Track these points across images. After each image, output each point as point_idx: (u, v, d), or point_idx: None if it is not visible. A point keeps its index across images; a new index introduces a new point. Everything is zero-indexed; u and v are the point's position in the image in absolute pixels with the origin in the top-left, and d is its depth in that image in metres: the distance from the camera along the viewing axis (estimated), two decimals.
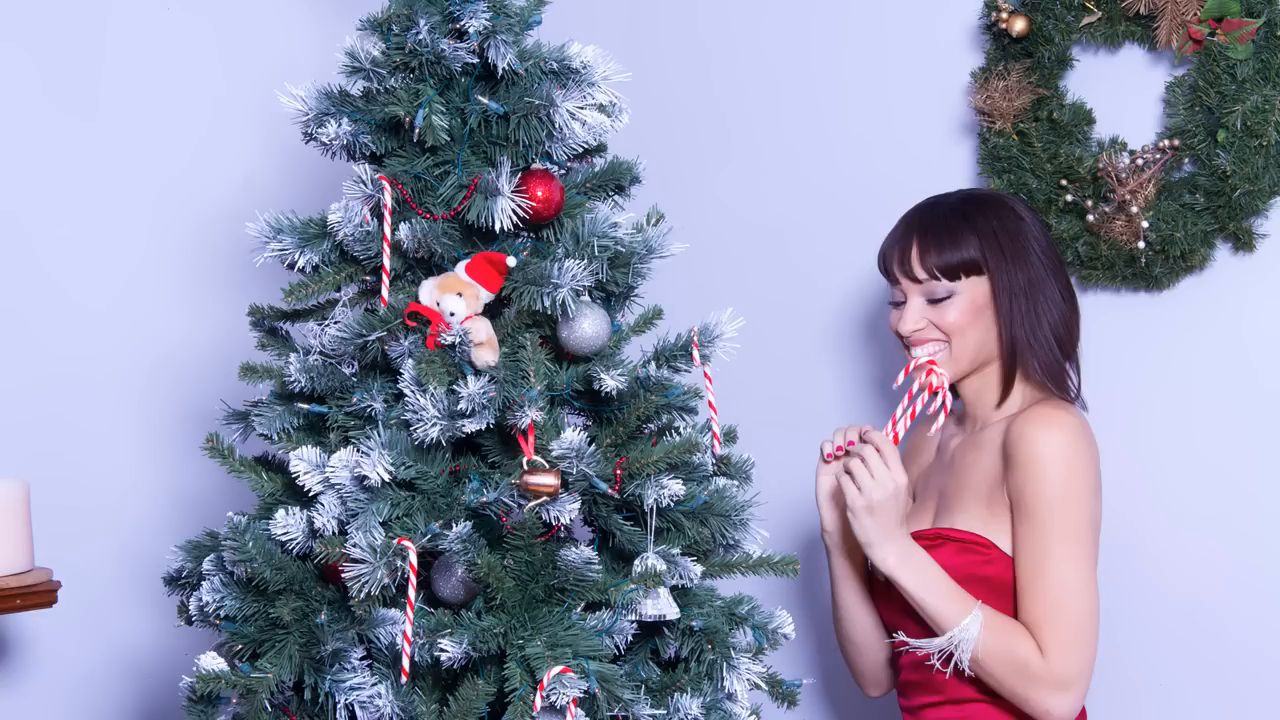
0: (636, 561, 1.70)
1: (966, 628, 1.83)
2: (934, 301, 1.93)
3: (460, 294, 1.66)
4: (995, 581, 1.88)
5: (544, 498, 1.63)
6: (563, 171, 1.78)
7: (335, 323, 1.70)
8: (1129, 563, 2.13)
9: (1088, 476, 1.85)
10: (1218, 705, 2.11)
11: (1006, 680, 1.84)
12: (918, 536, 1.92)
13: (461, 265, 1.68)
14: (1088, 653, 1.83)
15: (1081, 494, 1.84)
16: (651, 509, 1.70)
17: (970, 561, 1.89)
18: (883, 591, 1.99)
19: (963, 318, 1.92)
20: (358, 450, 1.65)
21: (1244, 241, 2.06)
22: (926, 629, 1.90)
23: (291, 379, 1.72)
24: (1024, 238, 1.94)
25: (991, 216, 1.94)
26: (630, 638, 1.69)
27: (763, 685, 1.78)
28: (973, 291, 1.93)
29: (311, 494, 1.68)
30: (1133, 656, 2.15)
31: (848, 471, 1.88)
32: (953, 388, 1.99)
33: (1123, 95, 2.15)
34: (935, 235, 1.93)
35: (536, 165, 1.72)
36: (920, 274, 1.93)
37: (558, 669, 1.57)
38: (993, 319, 1.94)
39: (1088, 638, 1.83)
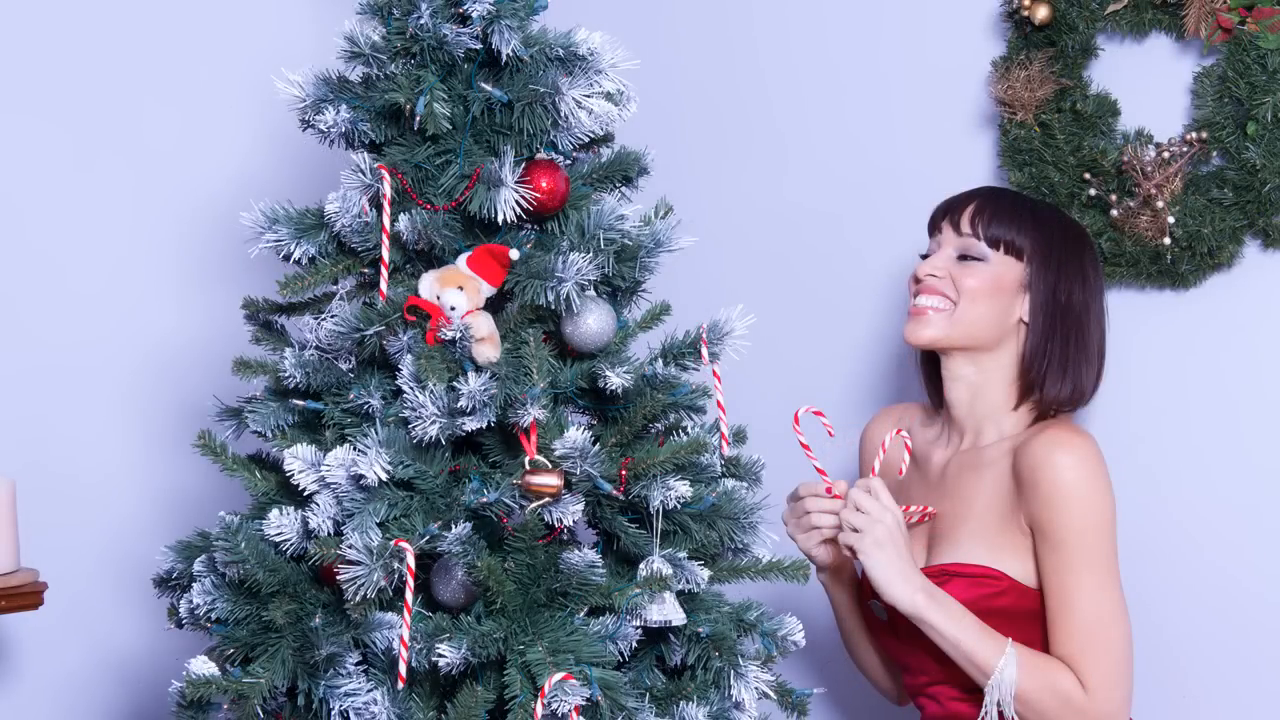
0: (642, 565, 1.69)
1: (1003, 669, 1.80)
2: (963, 259, 1.93)
3: (461, 287, 1.66)
4: (1010, 613, 1.86)
5: (546, 499, 1.62)
6: (568, 162, 1.77)
7: (332, 316, 1.69)
8: (1159, 569, 2.11)
9: (1109, 499, 1.84)
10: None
11: (1050, 713, 1.81)
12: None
13: (463, 258, 1.68)
14: (1127, 684, 1.82)
15: (1110, 520, 1.83)
16: (657, 511, 1.69)
17: (981, 595, 1.86)
18: (885, 626, 1.97)
19: (982, 286, 1.91)
20: (354, 448, 1.64)
21: (1274, 238, 2.05)
22: (939, 659, 1.87)
23: (287, 374, 1.73)
24: (1081, 268, 1.94)
25: (1059, 229, 1.94)
26: (635, 644, 1.68)
27: (771, 694, 1.77)
28: (1003, 268, 1.92)
29: (306, 493, 1.67)
30: (1180, 662, 2.13)
31: (838, 527, 1.88)
32: (937, 392, 1.99)
33: (1149, 86, 2.14)
34: (996, 205, 1.94)
35: (541, 155, 1.72)
36: (965, 227, 1.94)
37: (559, 675, 1.57)
38: (1006, 306, 1.92)
39: (1125, 669, 1.82)
